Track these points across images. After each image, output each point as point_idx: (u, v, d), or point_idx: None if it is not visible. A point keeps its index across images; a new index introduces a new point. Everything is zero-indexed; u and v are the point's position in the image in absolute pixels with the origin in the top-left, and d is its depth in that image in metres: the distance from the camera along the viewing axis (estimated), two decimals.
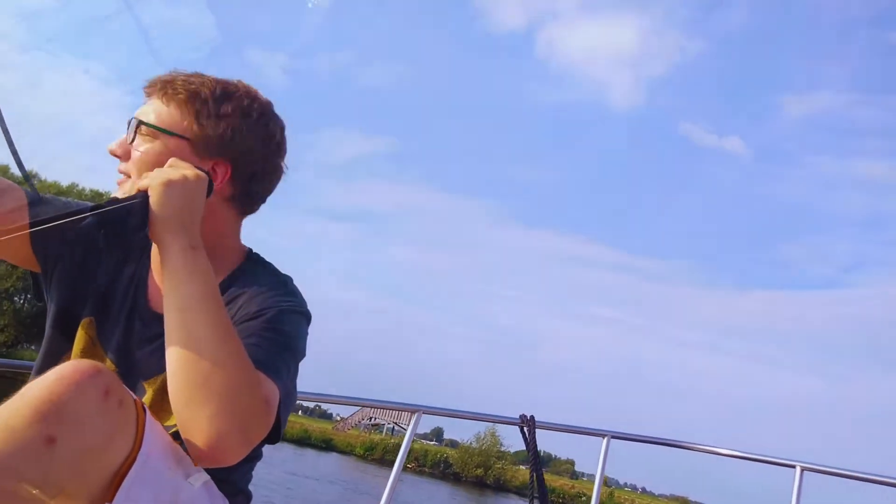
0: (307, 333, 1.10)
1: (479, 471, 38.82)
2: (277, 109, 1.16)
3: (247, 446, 0.87)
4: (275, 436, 0.95)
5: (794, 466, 2.41)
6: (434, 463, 39.60)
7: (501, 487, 38.71)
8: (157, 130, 1.06)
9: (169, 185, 0.95)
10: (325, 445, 40.76)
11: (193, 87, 1.08)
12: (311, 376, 1.11)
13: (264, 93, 1.15)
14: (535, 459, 2.53)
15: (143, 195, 0.95)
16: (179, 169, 0.98)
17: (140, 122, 1.07)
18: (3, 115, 0.95)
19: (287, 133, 1.17)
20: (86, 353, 1.10)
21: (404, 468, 2.29)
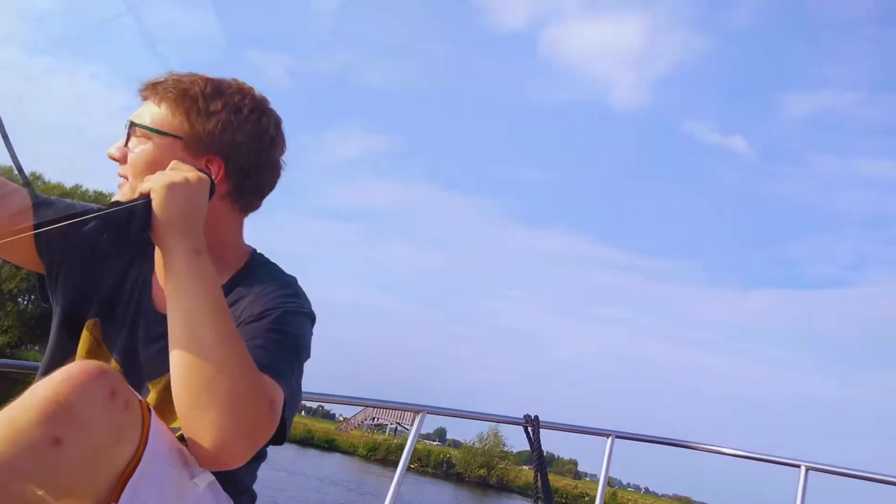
0: (312, 334, 1.10)
1: (483, 471, 38.79)
2: (281, 110, 1.16)
3: (252, 449, 0.88)
4: (280, 437, 0.95)
5: (798, 466, 2.40)
6: (437, 463, 39.58)
7: (504, 488, 38.68)
8: (149, 131, 1.07)
9: (171, 187, 0.95)
10: (329, 446, 40.77)
11: (183, 86, 1.08)
12: (314, 377, 1.11)
13: (268, 94, 1.16)
14: (540, 459, 2.53)
15: (145, 198, 0.95)
16: (181, 171, 0.98)
17: (132, 124, 1.08)
18: (4, 117, 0.94)
19: (289, 131, 1.17)
20: (91, 355, 1.11)
21: (407, 468, 2.29)
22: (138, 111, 1.10)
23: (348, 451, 40.12)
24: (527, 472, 38.63)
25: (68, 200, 1.13)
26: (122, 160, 1.09)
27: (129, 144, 1.09)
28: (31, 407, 0.73)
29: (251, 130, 1.10)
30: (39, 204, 1.07)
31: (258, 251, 1.20)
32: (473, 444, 40.58)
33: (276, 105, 1.16)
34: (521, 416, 2.58)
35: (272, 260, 1.21)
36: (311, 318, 1.11)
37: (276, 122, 1.15)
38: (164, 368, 0.99)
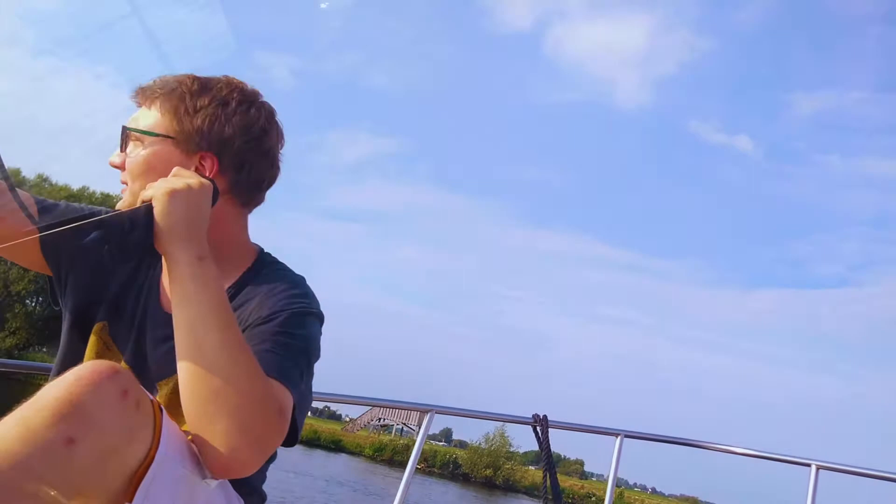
0: (321, 334, 1.10)
1: (489, 471, 38.76)
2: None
3: (263, 457, 0.88)
4: (292, 440, 0.95)
5: (809, 465, 2.39)
6: (443, 463, 39.59)
7: (511, 488, 38.65)
8: (142, 134, 1.08)
9: (172, 195, 0.94)
10: (335, 446, 40.83)
11: (170, 86, 1.09)
12: (321, 377, 1.10)
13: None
14: (549, 459, 2.52)
15: (146, 207, 0.95)
16: (183, 178, 0.98)
17: (125, 129, 1.09)
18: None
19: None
20: (100, 357, 1.11)
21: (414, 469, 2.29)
22: (133, 116, 1.11)
23: (354, 452, 40.17)
24: (533, 473, 38.68)
25: (75, 205, 1.14)
26: (123, 167, 1.10)
27: (127, 150, 1.10)
28: (45, 407, 0.73)
29: (240, 122, 1.09)
30: (41, 210, 1.08)
31: (265, 250, 1.20)
32: (479, 444, 40.58)
33: (282, 106, 1.16)
34: (529, 416, 2.57)
35: (280, 259, 1.21)
36: (320, 317, 1.11)
37: (269, 113, 1.15)
38: (173, 369, 1.00)
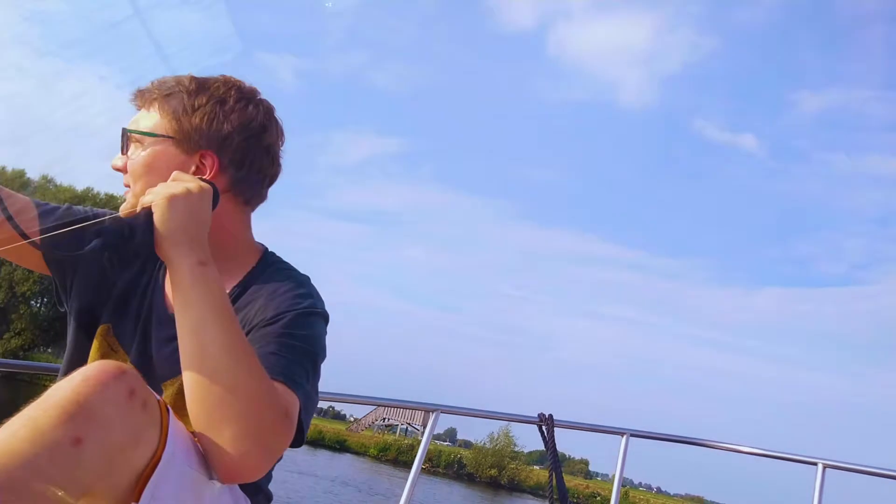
0: (326, 333, 1.10)
1: (493, 471, 38.71)
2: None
3: (270, 461, 0.88)
4: (298, 441, 0.95)
5: (815, 464, 2.39)
6: (448, 463, 39.55)
7: (516, 488, 38.61)
8: (141, 135, 1.08)
9: (172, 199, 0.94)
10: (339, 446, 40.85)
11: (168, 87, 1.10)
12: (326, 377, 1.10)
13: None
14: (555, 458, 2.52)
15: (146, 213, 0.94)
16: (182, 182, 0.97)
17: (126, 131, 1.10)
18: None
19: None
20: (105, 358, 1.11)
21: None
22: (133, 119, 1.12)
23: (359, 452, 40.18)
24: (538, 472, 38.60)
25: (77, 208, 1.14)
26: (125, 169, 1.10)
27: (128, 152, 1.10)
28: (52, 407, 0.73)
29: (238, 119, 1.10)
30: (42, 213, 1.08)
31: (269, 250, 1.20)
32: (484, 444, 40.56)
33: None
34: (535, 416, 2.57)
35: (284, 259, 1.21)
36: (325, 317, 1.10)
37: (267, 109, 1.15)
38: (178, 370, 1.00)
